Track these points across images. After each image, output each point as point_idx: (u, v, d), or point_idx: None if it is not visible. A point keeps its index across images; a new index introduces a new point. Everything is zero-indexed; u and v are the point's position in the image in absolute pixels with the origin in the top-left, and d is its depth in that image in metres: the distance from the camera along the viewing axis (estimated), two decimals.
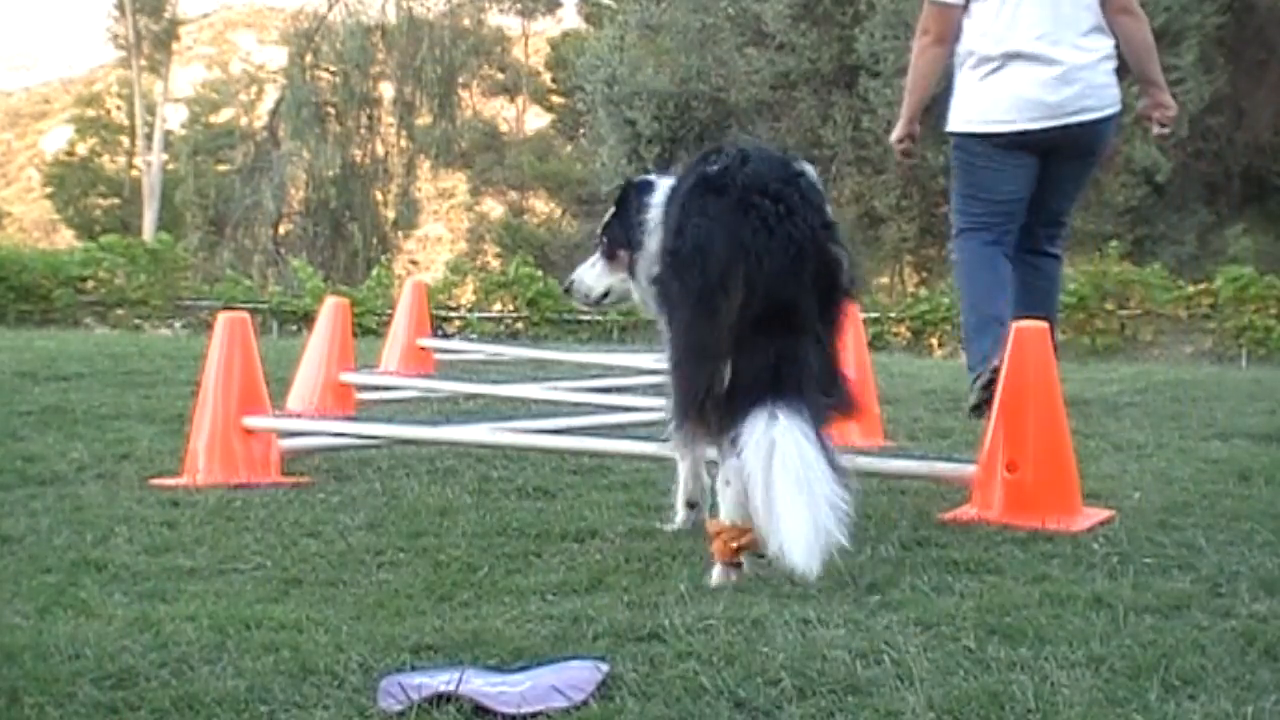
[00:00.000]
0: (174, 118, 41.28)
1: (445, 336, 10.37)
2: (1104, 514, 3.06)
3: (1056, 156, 4.95)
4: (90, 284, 15.78)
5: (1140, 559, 2.65)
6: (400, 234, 35.42)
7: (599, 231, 3.22)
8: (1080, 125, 4.89)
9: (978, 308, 4.91)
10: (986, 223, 4.97)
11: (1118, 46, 5.00)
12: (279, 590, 2.47)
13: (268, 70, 39.58)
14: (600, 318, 15.67)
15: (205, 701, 1.85)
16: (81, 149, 44.27)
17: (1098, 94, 4.92)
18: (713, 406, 2.55)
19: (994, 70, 4.93)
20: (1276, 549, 2.75)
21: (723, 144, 2.86)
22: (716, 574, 2.54)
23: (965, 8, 4.94)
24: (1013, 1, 4.91)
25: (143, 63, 38.79)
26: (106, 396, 5.05)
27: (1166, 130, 5.23)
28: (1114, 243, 16.12)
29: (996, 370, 3.77)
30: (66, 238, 41.18)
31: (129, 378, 5.71)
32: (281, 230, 32.09)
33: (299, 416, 4.31)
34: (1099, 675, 1.96)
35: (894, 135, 5.23)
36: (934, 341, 15.38)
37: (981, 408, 4.47)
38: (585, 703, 1.85)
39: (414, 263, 38.50)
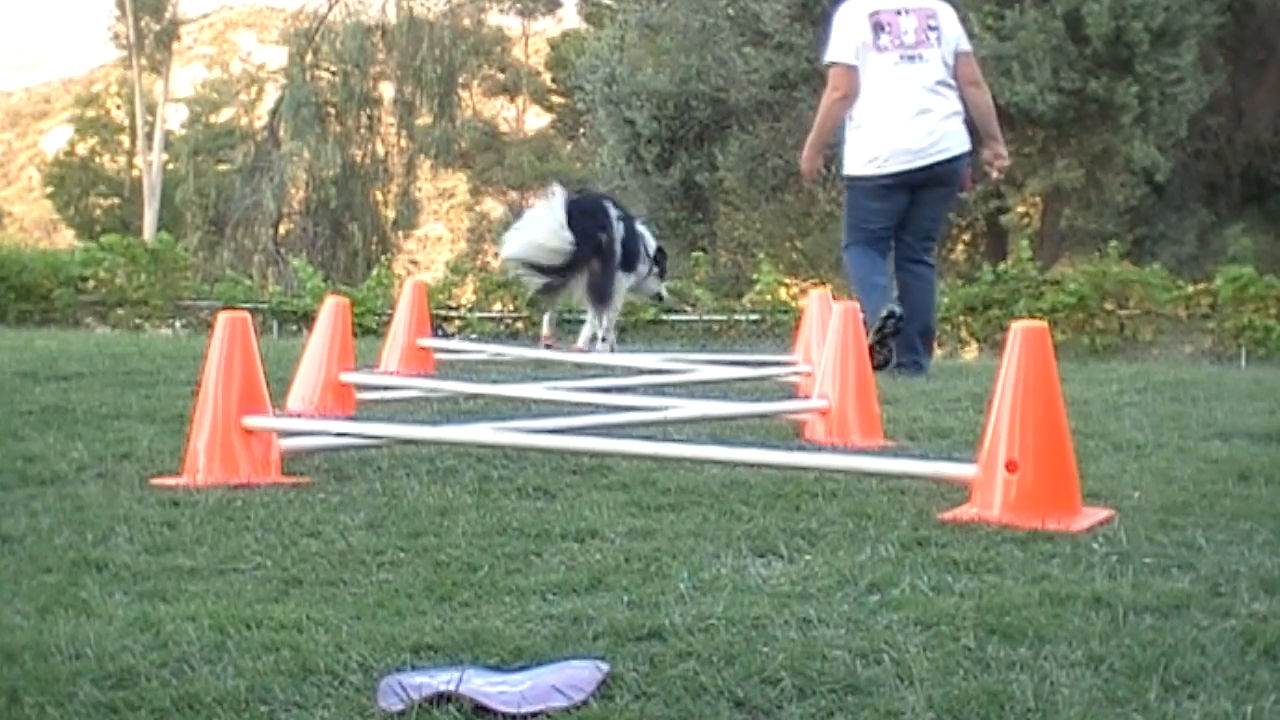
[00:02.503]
0: (174, 118, 41.30)
1: (445, 336, 10.37)
2: (1104, 514, 3.06)
3: (923, 188, 6.41)
4: (90, 284, 15.73)
5: (1140, 559, 2.65)
6: (400, 234, 35.40)
7: None
8: (939, 164, 6.37)
9: (865, 283, 6.45)
10: (865, 241, 6.54)
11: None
12: (279, 590, 2.47)
13: (268, 70, 39.55)
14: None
15: (205, 701, 1.85)
16: (81, 149, 44.26)
17: (949, 139, 6.39)
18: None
19: (871, 127, 6.38)
20: (1276, 549, 2.75)
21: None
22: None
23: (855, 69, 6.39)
24: (883, 69, 6.36)
25: (143, 63, 38.79)
26: (107, 396, 5.04)
27: (1000, 176, 7.10)
28: (1114, 243, 16.08)
29: (891, 313, 6.20)
30: (67, 238, 41.18)
31: (129, 377, 5.70)
32: (281, 230, 32.06)
33: (299, 416, 4.31)
34: (1099, 675, 1.96)
35: (805, 166, 6.83)
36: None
37: (882, 345, 6.14)
38: (585, 703, 1.85)
39: (414, 263, 38.49)
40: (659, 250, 7.53)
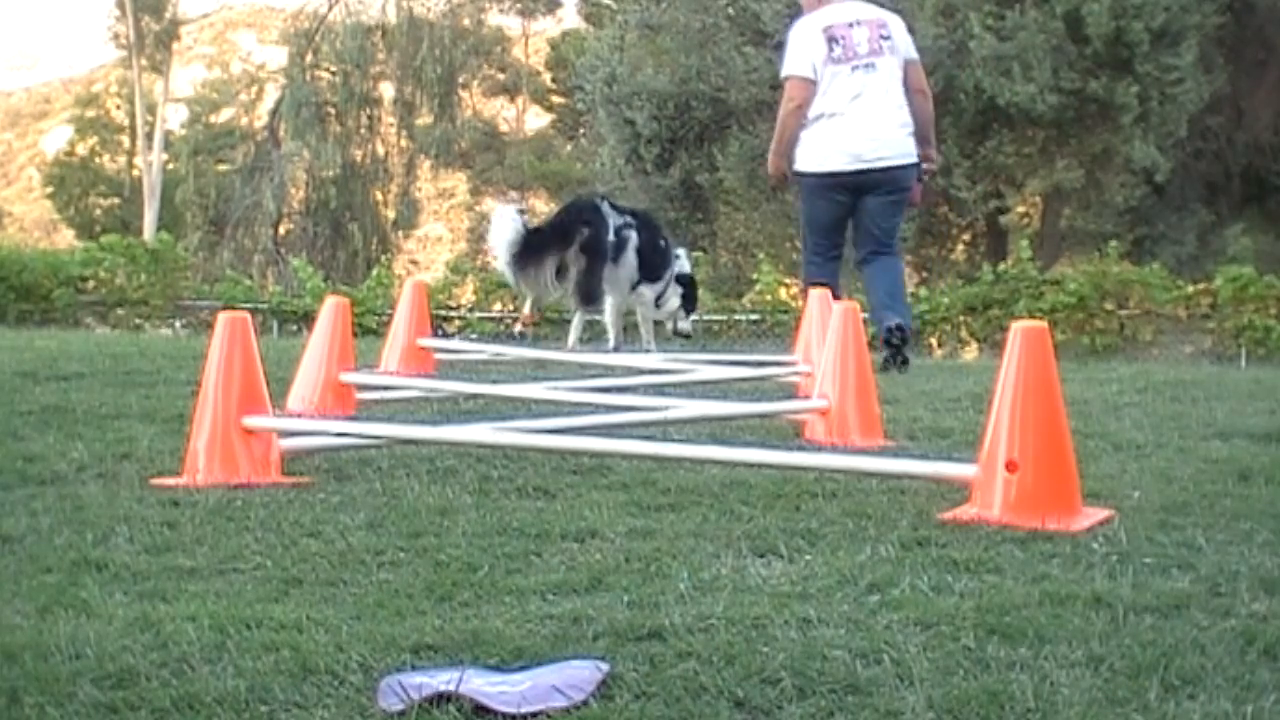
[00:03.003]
0: (174, 118, 41.30)
1: (445, 336, 10.36)
2: (1104, 514, 3.06)
3: (867, 194, 6.67)
4: (90, 284, 15.73)
5: (1140, 559, 2.65)
6: (400, 234, 35.41)
7: None
8: (879, 170, 6.63)
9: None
10: (823, 249, 6.81)
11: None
12: (279, 590, 2.47)
13: (268, 70, 39.56)
14: (599, 318, 15.61)
15: (205, 701, 1.85)
16: (81, 149, 44.27)
17: (891, 146, 6.66)
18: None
19: (822, 128, 6.67)
20: (1276, 549, 2.75)
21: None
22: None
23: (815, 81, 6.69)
24: (839, 77, 6.63)
25: (143, 62, 38.77)
26: (107, 396, 5.05)
27: (926, 178, 7.24)
28: (1114, 243, 16.09)
29: (896, 326, 6.52)
30: (67, 238, 41.20)
31: (129, 377, 5.71)
32: (281, 230, 32.06)
33: (299, 416, 4.31)
34: (1099, 675, 1.96)
35: (772, 170, 7.11)
36: (933, 341, 15.34)
37: (895, 357, 6.51)
38: (585, 703, 1.85)
39: (414, 263, 38.52)
40: (688, 279, 7.40)
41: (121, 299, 15.63)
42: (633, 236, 6.86)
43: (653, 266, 7.03)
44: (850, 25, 6.74)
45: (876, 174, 6.65)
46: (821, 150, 6.70)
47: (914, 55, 6.93)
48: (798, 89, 6.77)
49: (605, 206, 6.93)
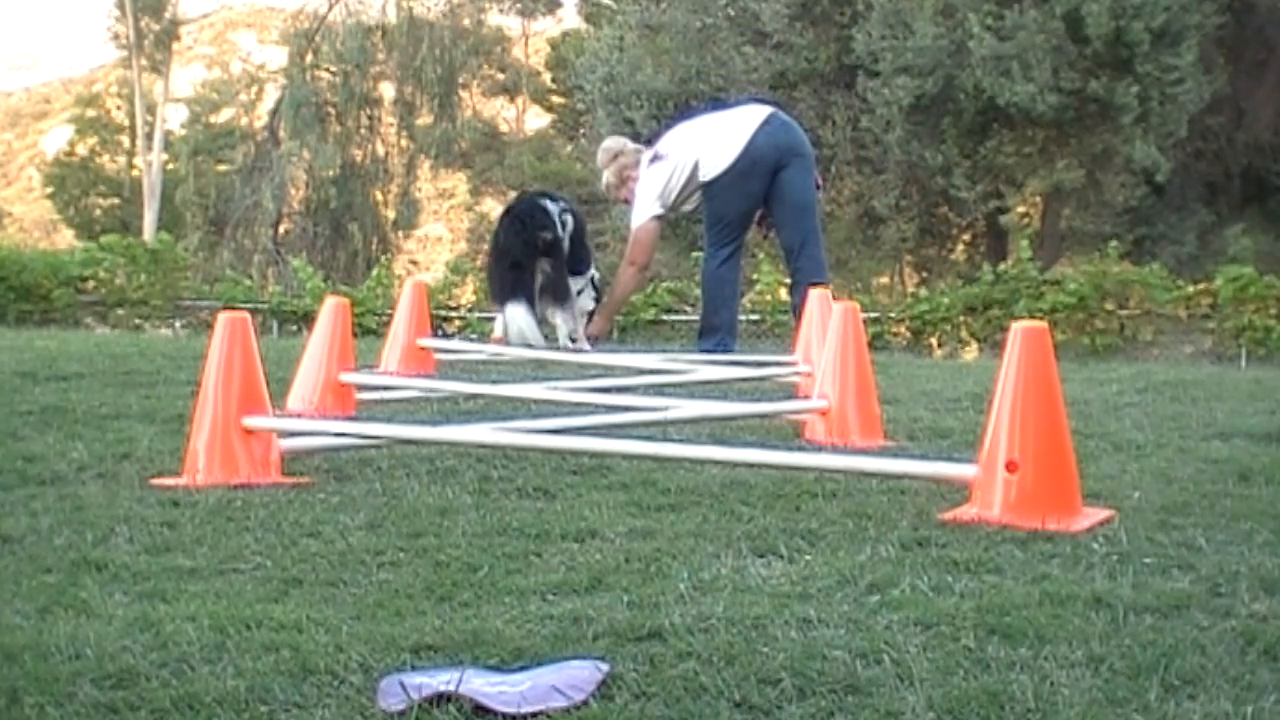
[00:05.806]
0: (174, 118, 41.25)
1: (445, 336, 10.36)
2: (1104, 514, 3.06)
3: (781, 170, 6.69)
4: (90, 284, 15.72)
5: (1140, 559, 2.65)
6: (400, 234, 35.40)
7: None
8: (780, 123, 6.80)
9: (717, 296, 6.92)
10: (732, 238, 6.83)
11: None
12: (279, 590, 2.47)
13: (268, 70, 39.50)
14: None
15: (205, 701, 1.85)
16: (81, 149, 44.24)
17: (786, 120, 6.93)
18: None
19: (699, 138, 6.78)
20: (1276, 549, 2.75)
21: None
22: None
23: (663, 216, 6.85)
24: (693, 121, 7.04)
25: (143, 63, 38.74)
26: (106, 396, 5.05)
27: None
28: (1114, 243, 16.07)
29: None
30: (67, 238, 41.18)
31: (129, 378, 5.71)
32: (281, 230, 32.06)
33: (299, 416, 4.31)
34: (1099, 675, 1.96)
35: (596, 334, 6.87)
36: (934, 341, 15.34)
37: None
38: (585, 703, 1.85)
39: (414, 263, 38.50)
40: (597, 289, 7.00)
41: (121, 299, 15.62)
42: (570, 221, 6.51)
43: (576, 260, 6.64)
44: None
45: (776, 128, 6.73)
46: (719, 145, 6.68)
47: None
48: (642, 248, 6.80)
49: (548, 204, 6.52)
